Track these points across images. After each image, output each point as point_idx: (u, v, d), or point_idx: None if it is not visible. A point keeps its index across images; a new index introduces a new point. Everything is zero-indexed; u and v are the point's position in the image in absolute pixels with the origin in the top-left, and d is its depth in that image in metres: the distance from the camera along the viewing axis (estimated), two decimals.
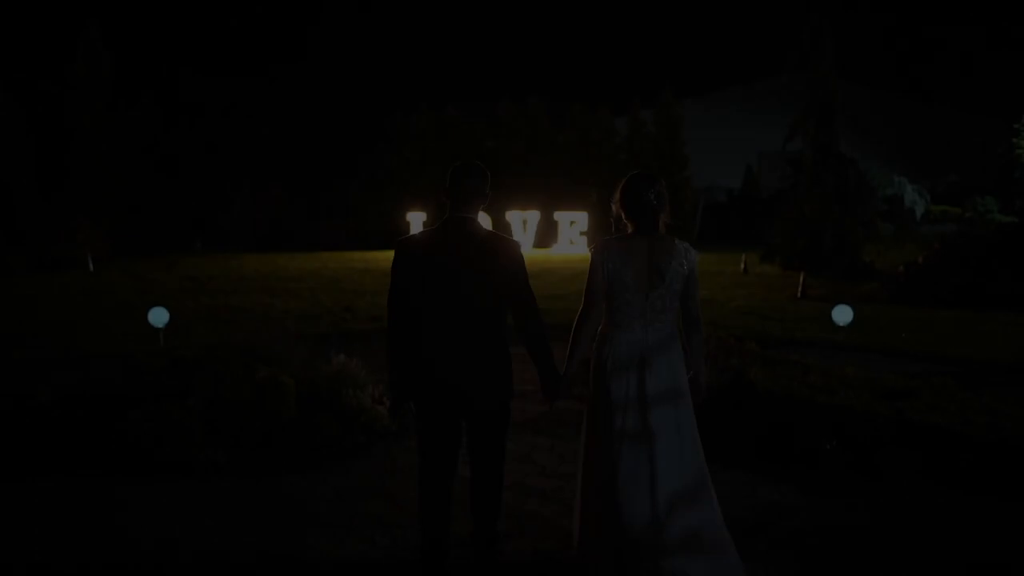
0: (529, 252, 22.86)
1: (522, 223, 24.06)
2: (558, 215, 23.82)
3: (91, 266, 18.40)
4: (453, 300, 3.85)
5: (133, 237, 23.85)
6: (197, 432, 5.97)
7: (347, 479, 5.61)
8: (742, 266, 18.05)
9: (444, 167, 25.58)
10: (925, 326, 11.00)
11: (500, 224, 23.86)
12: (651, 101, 28.30)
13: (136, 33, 35.24)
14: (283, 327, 11.16)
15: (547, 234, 24.09)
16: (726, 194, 34.74)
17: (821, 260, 16.46)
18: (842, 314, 9.90)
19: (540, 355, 3.96)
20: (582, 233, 23.43)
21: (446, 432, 3.97)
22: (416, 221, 24.26)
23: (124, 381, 7.38)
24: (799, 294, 13.67)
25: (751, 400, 6.69)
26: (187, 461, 5.83)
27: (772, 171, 38.01)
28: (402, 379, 3.95)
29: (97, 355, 9.58)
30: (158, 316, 9.88)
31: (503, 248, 3.91)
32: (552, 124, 27.58)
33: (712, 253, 22.92)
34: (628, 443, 3.83)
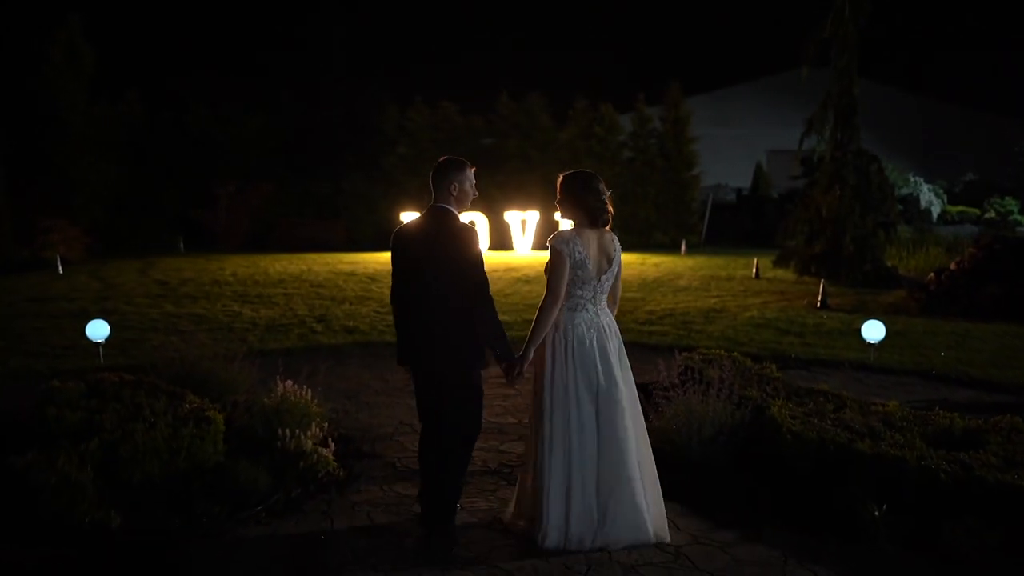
0: (528, 254, 21.66)
1: (521, 223, 22.85)
2: (559, 215, 22.59)
3: (60, 268, 17.27)
4: (424, 281, 4.41)
5: (114, 237, 22.72)
6: (88, 486, 4.81)
7: (265, 551, 4.43)
8: (753, 271, 16.84)
9: None
10: (964, 343, 9.78)
11: (499, 224, 22.70)
12: (656, 98, 27.06)
13: (121, 26, 34.07)
14: (243, 341, 10.00)
15: (547, 235, 22.78)
16: (734, 193, 33.48)
17: (840, 265, 15.23)
18: (873, 330, 8.70)
19: (494, 339, 4.47)
20: None
21: (427, 394, 4.64)
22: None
23: (31, 412, 6.26)
24: (818, 304, 12.46)
25: (775, 445, 5.51)
26: (76, 522, 4.69)
27: (781, 169, 36.76)
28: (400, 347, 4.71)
29: (23, 374, 8.43)
30: (96, 330, 8.74)
31: (461, 236, 4.40)
32: (553, 120, 26.32)
33: (720, 256, 21.71)
34: (591, 414, 4.47)
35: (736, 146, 39.94)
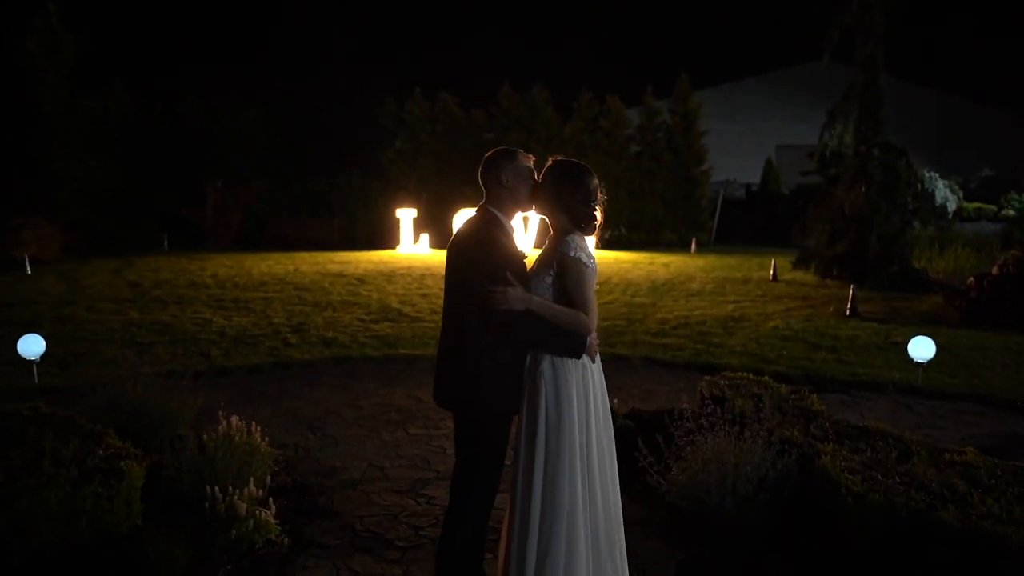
0: (531, 253, 20.49)
1: (523, 220, 21.69)
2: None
3: (28, 269, 16.18)
4: (446, 295, 3.67)
5: (98, 235, 21.58)
6: None
7: None
8: (770, 272, 15.69)
9: (437, 159, 22.89)
10: (1023, 360, 8.64)
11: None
12: (664, 91, 25.91)
13: (109, 15, 32.98)
14: (205, 356, 8.89)
15: (549, 233, 21.73)
16: (743, 189, 32.39)
17: (865, 267, 14.09)
18: (921, 348, 7.58)
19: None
20: None
21: None
22: (406, 218, 21.94)
23: None
24: (848, 311, 11.31)
25: (829, 507, 4.39)
26: None
27: (791, 165, 35.60)
28: None
29: None
30: (29, 345, 7.64)
31: (480, 245, 3.52)
32: (557, 113, 25.16)
33: (732, 255, 20.61)
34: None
35: (745, 141, 38.82)
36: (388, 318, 11.28)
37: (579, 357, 3.53)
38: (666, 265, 18.13)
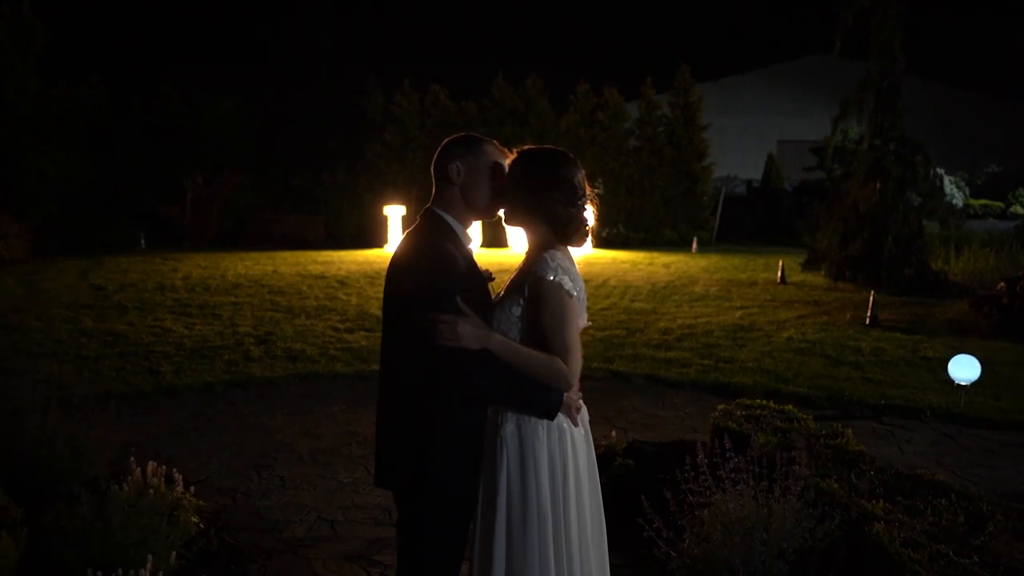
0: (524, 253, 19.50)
1: None
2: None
3: None
4: (383, 331, 2.73)
5: (71, 233, 20.54)
6: None
7: None
8: (778, 274, 14.72)
9: (428, 154, 22.04)
10: None
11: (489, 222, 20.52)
12: (665, 85, 24.93)
13: (83, 4, 31.96)
14: (154, 373, 7.93)
15: None
16: (744, 186, 31.47)
17: (880, 269, 13.14)
18: (964, 368, 6.64)
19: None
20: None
21: None
22: (394, 216, 20.96)
23: None
24: (867, 320, 10.35)
25: None
26: None
27: (793, 160, 34.66)
28: None
29: None
30: None
31: (402, 260, 2.60)
32: (553, 106, 24.17)
33: (735, 255, 19.67)
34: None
35: (746, 136, 37.89)
36: (365, 326, 10.31)
37: (552, 418, 2.58)
38: (667, 266, 17.18)
